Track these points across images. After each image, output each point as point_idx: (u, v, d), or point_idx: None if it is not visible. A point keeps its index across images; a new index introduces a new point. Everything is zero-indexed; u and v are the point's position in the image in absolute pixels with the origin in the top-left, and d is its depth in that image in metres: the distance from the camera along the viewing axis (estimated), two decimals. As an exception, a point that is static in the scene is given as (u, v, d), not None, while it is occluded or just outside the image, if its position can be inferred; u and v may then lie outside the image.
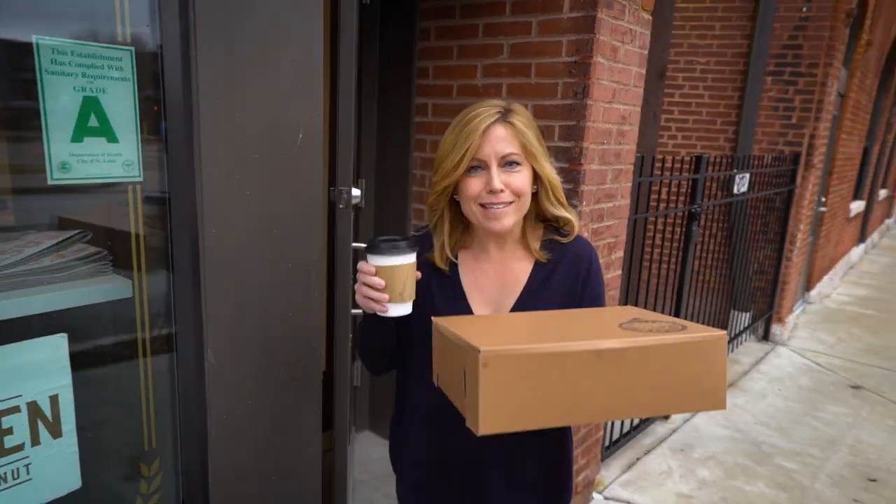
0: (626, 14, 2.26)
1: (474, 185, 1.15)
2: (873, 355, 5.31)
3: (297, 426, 1.41)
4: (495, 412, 0.87)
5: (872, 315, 6.63)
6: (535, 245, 1.24)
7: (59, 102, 1.00)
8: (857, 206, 8.80)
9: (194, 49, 1.09)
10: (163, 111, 1.13)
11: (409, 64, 2.65)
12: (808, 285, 6.72)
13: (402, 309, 1.09)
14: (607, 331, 0.97)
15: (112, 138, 1.07)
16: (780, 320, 5.49)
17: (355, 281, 1.13)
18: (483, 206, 1.15)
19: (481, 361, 0.85)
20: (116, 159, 1.09)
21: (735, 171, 4.09)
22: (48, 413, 1.07)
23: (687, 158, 3.39)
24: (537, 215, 1.26)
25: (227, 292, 1.22)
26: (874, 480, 3.30)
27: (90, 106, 1.04)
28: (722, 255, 4.66)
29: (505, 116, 1.15)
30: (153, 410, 1.26)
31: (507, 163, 1.14)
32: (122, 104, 1.08)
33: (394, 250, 1.04)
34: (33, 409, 1.05)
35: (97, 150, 1.06)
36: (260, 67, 1.20)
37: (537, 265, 1.24)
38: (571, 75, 2.20)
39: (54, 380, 1.07)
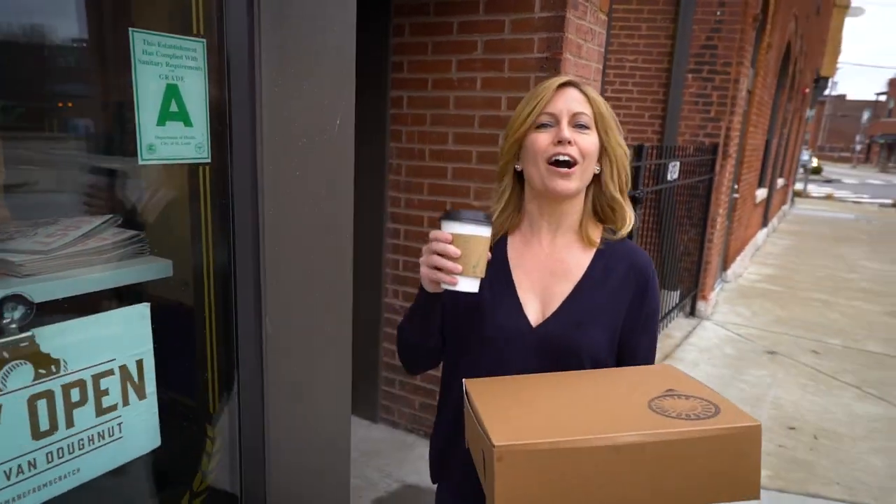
0: (587, 15, 2.51)
1: (542, 138, 1.11)
2: (783, 325, 5.93)
3: (333, 391, 1.54)
4: (511, 501, 0.86)
5: (779, 290, 7.35)
6: (596, 237, 1.19)
7: (148, 89, 1.09)
8: (762, 193, 9.67)
9: (258, 42, 1.21)
10: (227, 98, 1.24)
11: (385, 58, 2.78)
12: (725, 265, 7.36)
13: (471, 284, 1.04)
14: (633, 414, 0.92)
15: (187, 123, 1.17)
16: (705, 297, 6.01)
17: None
18: (550, 163, 1.10)
19: (496, 456, 0.84)
20: (190, 142, 1.19)
21: (669, 159, 4.48)
22: (135, 376, 1.16)
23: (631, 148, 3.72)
24: (596, 203, 1.21)
25: (282, 263, 1.34)
26: (793, 428, 3.76)
27: (171, 93, 1.13)
28: (654, 238, 5.07)
29: (579, 84, 1.15)
30: (217, 378, 1.36)
31: (577, 124, 1.11)
32: (195, 91, 1.18)
33: (474, 220, 1.02)
34: (124, 372, 1.14)
35: (176, 134, 1.15)
36: (306, 57, 1.32)
37: (597, 256, 1.18)
38: (543, 70, 2.42)
39: (139, 345, 1.17)
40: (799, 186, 21.11)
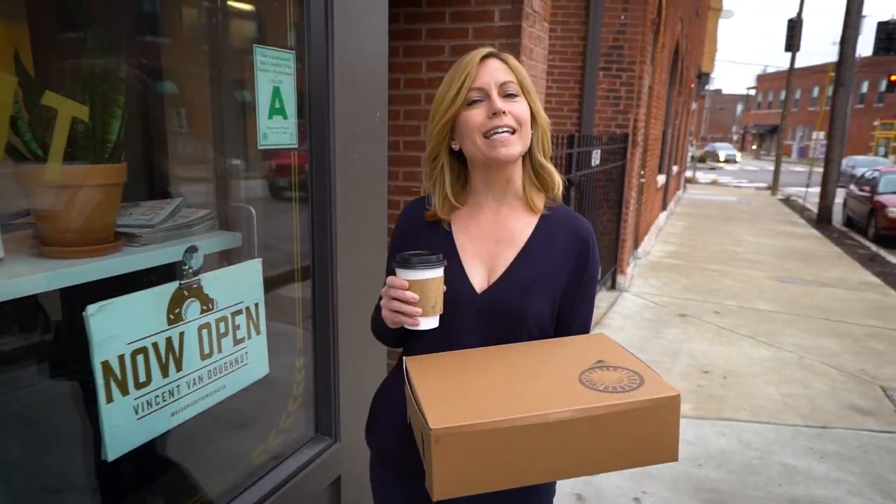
0: (536, 23, 2.97)
1: (476, 114, 1.11)
2: (688, 292, 6.76)
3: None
4: (449, 480, 0.90)
5: (682, 264, 8.27)
6: (540, 202, 1.20)
7: (263, 91, 1.41)
8: (662, 179, 10.70)
9: (332, 53, 1.55)
10: (307, 97, 1.57)
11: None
12: (636, 243, 8.18)
13: (432, 322, 1.09)
14: (563, 390, 0.97)
15: (285, 116, 1.49)
16: (623, 272, 6.73)
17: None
18: (486, 136, 1.10)
19: (433, 439, 0.87)
20: (286, 131, 1.51)
21: (591, 147, 5.07)
22: (254, 315, 1.47)
23: (564, 137, 4.25)
24: (534, 173, 1.21)
25: (347, 224, 1.68)
26: (707, 372, 4.44)
27: (276, 93, 1.45)
28: (580, 219, 5.68)
29: (499, 54, 1.15)
30: (300, 321, 1.68)
31: (507, 94, 1.11)
32: (288, 92, 1.50)
33: (426, 264, 1.05)
34: (248, 311, 1.45)
35: (278, 125, 1.47)
36: (359, 63, 1.68)
37: (541, 222, 1.20)
38: (503, 71, 2.85)
39: (256, 292, 1.48)
40: (689, 174, 23.10)
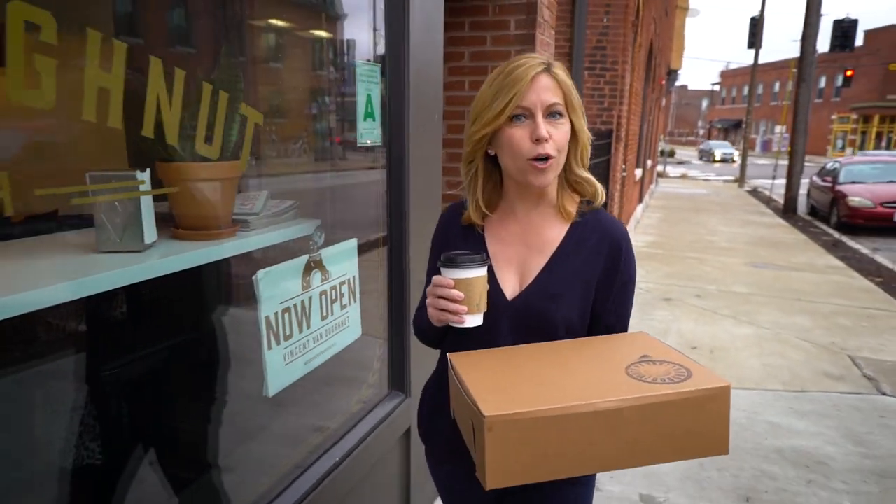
0: (545, 31, 3.29)
1: (519, 135, 1.10)
2: (671, 278, 7.18)
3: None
4: (502, 469, 0.91)
5: (662, 253, 8.71)
6: (572, 209, 1.20)
7: (361, 97, 1.69)
8: (639, 173, 11.16)
9: (407, 64, 1.84)
10: (389, 102, 1.85)
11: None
12: (618, 234, 8.59)
13: (476, 319, 1.12)
14: (611, 381, 0.98)
15: (374, 119, 1.78)
16: (609, 259, 7.12)
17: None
18: (530, 160, 1.11)
19: (486, 426, 0.88)
20: (375, 131, 1.79)
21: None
22: (353, 286, 1.76)
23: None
24: (569, 182, 1.22)
25: (418, 210, 1.98)
26: (695, 348, 4.84)
27: (369, 99, 1.74)
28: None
29: (549, 68, 1.13)
30: (385, 294, 1.98)
31: (551, 114, 1.11)
32: (376, 98, 1.79)
33: (471, 263, 1.09)
34: (349, 282, 1.74)
35: (370, 126, 1.76)
36: (425, 72, 1.97)
37: (572, 228, 1.20)
38: (518, 74, 3.17)
39: (353, 266, 1.76)
40: (659, 168, 23.80)
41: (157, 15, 1.43)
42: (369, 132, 1.76)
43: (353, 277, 1.76)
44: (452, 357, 1.11)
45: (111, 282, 1.27)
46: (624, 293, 1.21)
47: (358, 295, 1.79)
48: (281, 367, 1.44)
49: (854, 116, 40.76)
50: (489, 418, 0.88)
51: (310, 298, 1.55)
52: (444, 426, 1.23)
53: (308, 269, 1.54)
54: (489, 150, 1.19)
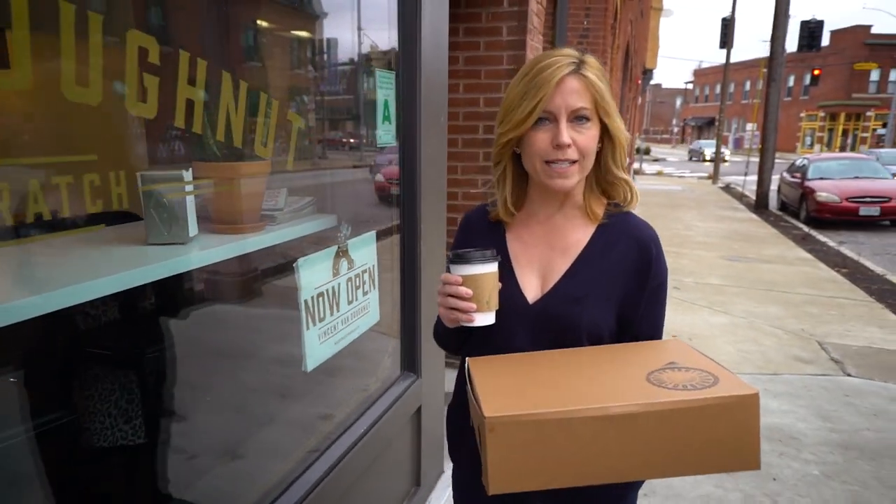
0: (535, 37, 3.48)
1: (541, 138, 1.09)
2: (649, 271, 7.46)
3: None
4: (505, 473, 0.87)
5: (640, 247, 9.02)
6: (599, 210, 1.17)
7: (379, 102, 1.86)
8: (617, 170, 11.47)
9: (419, 73, 2.02)
10: (401, 105, 2.03)
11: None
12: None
13: (487, 318, 1.09)
14: (629, 386, 0.92)
15: (390, 122, 1.95)
16: (590, 254, 7.37)
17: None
18: (547, 162, 1.09)
19: (487, 427, 0.85)
20: (390, 132, 1.96)
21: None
22: (372, 274, 1.93)
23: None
24: (597, 179, 1.18)
25: (427, 202, 2.15)
26: (675, 336, 5.09)
27: (386, 104, 1.91)
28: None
29: (579, 68, 1.08)
30: (395, 281, 2.15)
31: (577, 118, 1.08)
32: (391, 103, 1.96)
33: (481, 259, 1.06)
34: (370, 270, 1.91)
35: (387, 128, 1.93)
36: (430, 77, 2.14)
37: (599, 231, 1.17)
38: (509, 77, 3.36)
39: (373, 255, 1.93)
40: (636, 165, 24.28)
41: (233, 36, 1.58)
42: (387, 134, 1.93)
43: (373, 266, 1.93)
44: (470, 361, 1.08)
45: (166, 270, 1.43)
46: (655, 299, 1.17)
47: (377, 282, 1.96)
48: (316, 346, 1.60)
49: (822, 114, 41.89)
50: (490, 419, 0.85)
51: (339, 284, 1.71)
52: (470, 439, 1.17)
53: (337, 258, 1.71)
54: (516, 149, 1.16)
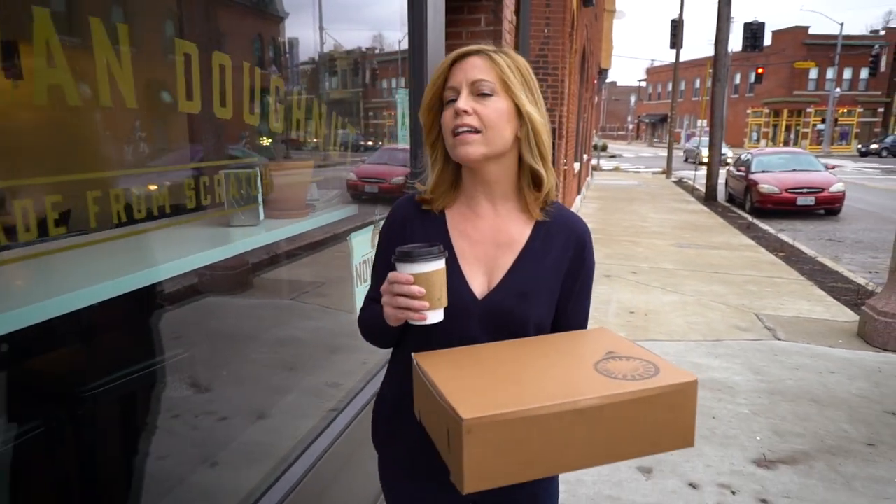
0: (509, 32, 4.03)
1: (448, 113, 1.11)
2: (610, 258, 8.13)
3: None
4: (479, 472, 0.89)
5: (601, 237, 9.69)
6: (535, 205, 1.19)
7: (400, 112, 2.37)
8: (577, 167, 12.16)
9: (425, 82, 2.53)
10: (413, 113, 2.53)
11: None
12: (561, 222, 9.50)
13: (438, 315, 1.08)
14: (585, 379, 0.97)
15: (404, 128, 2.46)
16: (555, 244, 7.99)
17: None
18: (454, 134, 1.10)
19: (465, 429, 0.86)
20: (405, 136, 2.48)
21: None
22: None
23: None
24: (532, 176, 1.18)
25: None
26: (633, 312, 5.73)
27: (403, 115, 2.42)
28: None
29: (485, 51, 1.12)
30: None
31: (480, 93, 1.10)
32: (405, 114, 2.47)
33: (429, 256, 1.04)
34: (392, 247, 2.42)
35: (403, 133, 2.44)
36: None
37: (537, 225, 1.19)
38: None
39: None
40: (594, 161, 25.22)
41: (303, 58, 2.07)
42: (404, 136, 2.44)
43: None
44: (418, 357, 1.07)
45: (246, 246, 1.90)
46: (585, 290, 1.24)
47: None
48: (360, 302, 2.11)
49: (766, 111, 43.88)
50: (468, 421, 0.86)
51: (373, 255, 2.22)
52: (406, 431, 1.20)
53: (374, 234, 2.22)
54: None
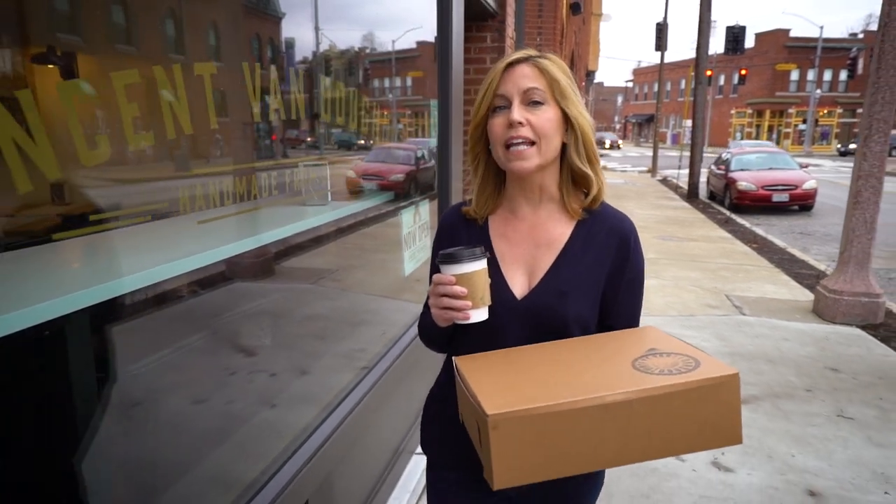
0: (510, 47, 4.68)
1: (498, 123, 1.12)
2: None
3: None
4: (509, 468, 0.89)
5: (588, 231, 10.39)
6: (577, 205, 1.19)
7: (433, 123, 3.01)
8: (566, 165, 12.84)
9: (451, 96, 3.17)
10: (440, 118, 3.18)
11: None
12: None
13: (482, 314, 1.11)
14: (618, 374, 0.96)
15: (432, 136, 3.10)
16: (547, 236, 8.66)
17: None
18: (507, 147, 1.12)
19: (490, 425, 0.87)
20: (433, 142, 3.12)
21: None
22: (426, 227, 3.08)
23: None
24: (573, 177, 1.19)
25: (455, 180, 3.31)
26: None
27: (431, 125, 3.06)
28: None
29: (532, 59, 1.14)
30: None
31: (531, 102, 1.11)
32: (433, 123, 3.11)
33: (472, 257, 1.08)
34: (425, 224, 3.06)
35: (434, 135, 3.08)
36: (457, 95, 3.31)
37: (579, 225, 1.20)
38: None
39: (426, 213, 3.08)
40: (581, 161, 25.92)
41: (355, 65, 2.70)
42: (433, 139, 3.09)
43: (426, 222, 3.09)
44: (458, 360, 1.10)
45: (319, 220, 2.52)
46: (633, 288, 1.22)
47: (428, 233, 3.11)
48: (408, 262, 2.75)
49: (749, 111, 44.95)
50: (493, 416, 0.88)
51: (415, 229, 2.87)
52: (452, 434, 1.21)
53: (414, 211, 2.86)
54: (490, 147, 1.19)
